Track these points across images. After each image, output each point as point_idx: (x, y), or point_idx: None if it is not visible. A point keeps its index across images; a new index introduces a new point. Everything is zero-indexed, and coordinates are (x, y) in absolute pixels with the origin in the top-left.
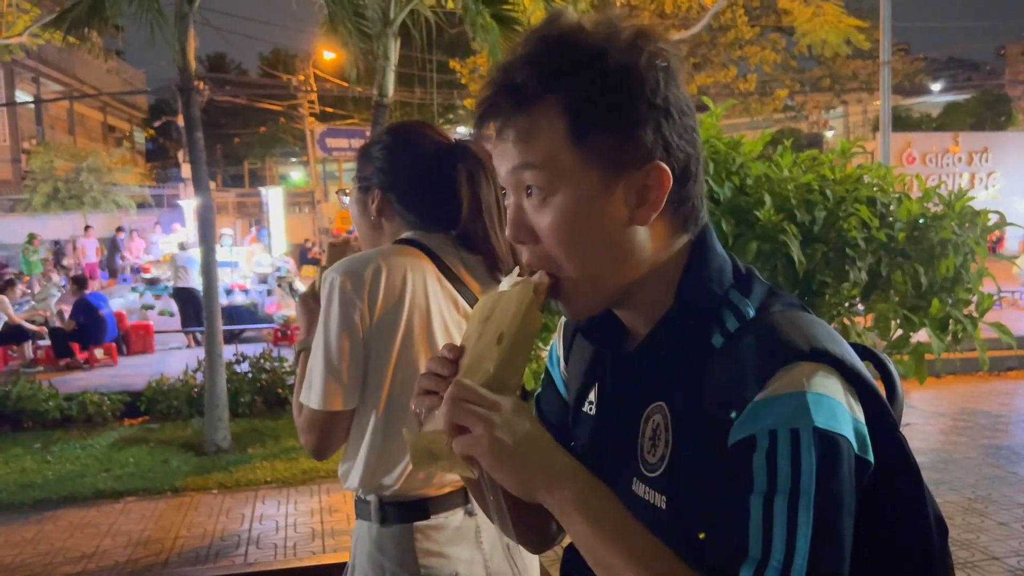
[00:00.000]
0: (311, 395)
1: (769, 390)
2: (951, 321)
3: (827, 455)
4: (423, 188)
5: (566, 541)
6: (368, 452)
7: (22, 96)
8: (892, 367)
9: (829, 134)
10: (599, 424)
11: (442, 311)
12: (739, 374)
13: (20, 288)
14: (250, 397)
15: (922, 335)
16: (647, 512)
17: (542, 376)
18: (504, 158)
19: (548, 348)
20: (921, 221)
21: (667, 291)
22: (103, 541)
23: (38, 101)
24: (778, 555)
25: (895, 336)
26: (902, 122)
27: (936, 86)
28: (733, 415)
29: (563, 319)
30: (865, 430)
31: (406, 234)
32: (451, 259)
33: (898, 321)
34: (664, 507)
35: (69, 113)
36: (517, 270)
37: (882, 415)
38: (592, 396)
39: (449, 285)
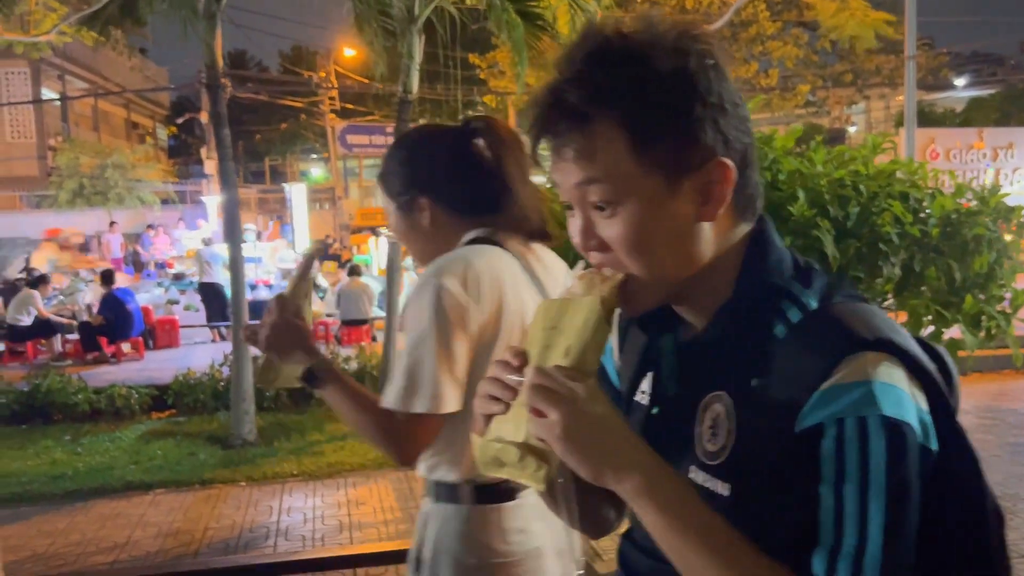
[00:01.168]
0: (418, 401)
1: (835, 379)
2: (984, 317)
3: (895, 443)
4: (464, 179)
5: (622, 529)
6: (467, 443)
7: (48, 93)
8: (948, 358)
9: (851, 130)
10: (653, 413)
11: (526, 303)
12: (805, 364)
13: (52, 284)
14: (275, 392)
15: (954, 331)
16: (708, 500)
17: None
18: (566, 175)
19: None
20: (954, 217)
21: (725, 282)
22: (134, 532)
23: (64, 98)
24: (850, 542)
25: (927, 332)
26: (925, 117)
27: (960, 81)
28: (800, 404)
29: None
30: (929, 419)
31: (473, 233)
32: (519, 249)
33: (930, 317)
34: (727, 494)
35: (94, 110)
36: (582, 264)
37: (942, 405)
38: (645, 386)
39: (527, 277)
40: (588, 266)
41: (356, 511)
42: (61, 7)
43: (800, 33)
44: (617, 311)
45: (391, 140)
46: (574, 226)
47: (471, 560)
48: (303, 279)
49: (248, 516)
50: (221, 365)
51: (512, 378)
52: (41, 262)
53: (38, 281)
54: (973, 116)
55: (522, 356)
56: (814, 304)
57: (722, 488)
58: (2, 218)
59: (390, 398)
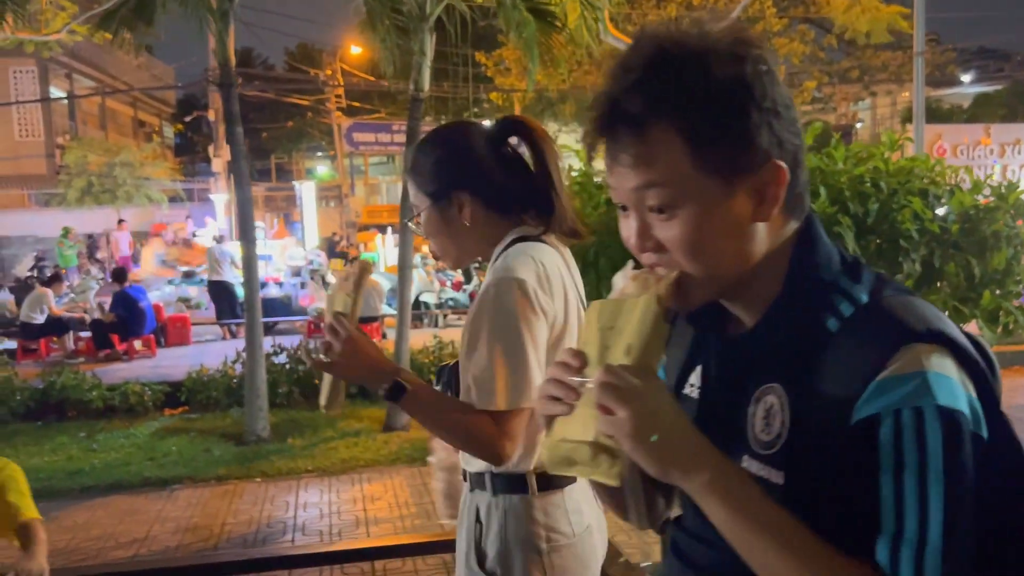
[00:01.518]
0: (523, 395)
1: (890, 370)
2: (1002, 312)
3: (950, 431)
4: (505, 176)
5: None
6: (535, 434)
7: (55, 92)
8: (989, 349)
9: (857, 126)
10: (704, 405)
11: (579, 299)
12: (859, 356)
13: (65, 285)
14: (288, 388)
15: (971, 327)
16: (762, 487)
17: None
18: (623, 179)
19: None
20: (972, 213)
21: (775, 278)
22: (152, 527)
23: (72, 97)
24: (911, 528)
25: None
26: (932, 113)
27: (966, 77)
28: (855, 395)
29: None
30: (979, 406)
31: (518, 231)
32: (559, 246)
33: (948, 312)
34: (781, 483)
35: (101, 108)
36: (631, 264)
37: (988, 393)
38: (693, 379)
39: (570, 273)
40: (637, 266)
41: (372, 506)
42: (71, 6)
43: (807, 30)
44: None
45: (398, 138)
46: (629, 228)
47: (543, 544)
48: (358, 293)
49: (265, 511)
50: (234, 362)
51: (574, 380)
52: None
53: (52, 280)
54: (980, 112)
55: (581, 357)
56: (864, 298)
57: (776, 477)
58: (11, 216)
59: (496, 399)
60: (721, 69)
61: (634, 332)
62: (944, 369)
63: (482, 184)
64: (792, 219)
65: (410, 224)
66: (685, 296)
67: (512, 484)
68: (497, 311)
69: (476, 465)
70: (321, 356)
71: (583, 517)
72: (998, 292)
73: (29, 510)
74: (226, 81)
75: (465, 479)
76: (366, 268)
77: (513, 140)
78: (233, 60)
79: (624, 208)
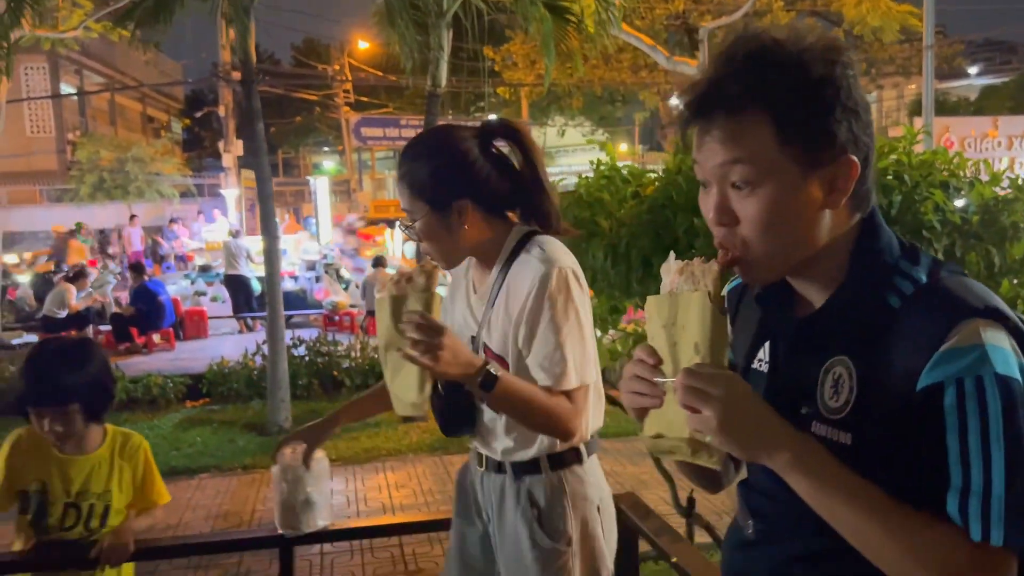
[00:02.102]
0: (587, 372)
1: (951, 343)
2: (1019, 301)
3: (1008, 396)
4: (499, 179)
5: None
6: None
7: (65, 88)
8: None
9: None
10: (773, 378)
11: None
12: (922, 330)
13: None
14: (307, 380)
15: None
16: (830, 448)
17: None
18: (711, 154)
19: None
20: (992, 204)
21: (841, 262)
22: (184, 514)
23: (83, 93)
24: (977, 482)
25: None
26: (939, 106)
27: (973, 69)
28: (919, 364)
29: (725, 291)
30: None
31: (518, 228)
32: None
33: None
34: (849, 443)
35: (111, 104)
36: (672, 256)
37: None
38: (762, 355)
39: None
40: (678, 257)
41: (396, 493)
42: (87, 3)
43: (814, 23)
44: (724, 291)
45: (406, 132)
46: (708, 201)
47: (598, 503)
48: (432, 293)
49: None
50: (254, 354)
51: (657, 380)
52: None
53: (77, 276)
54: (987, 104)
55: (655, 355)
56: (924, 278)
57: (844, 438)
58: (24, 211)
59: (569, 378)
60: (814, 68)
61: (697, 330)
62: (999, 341)
63: (479, 190)
64: (857, 212)
65: (402, 229)
66: (750, 271)
67: (567, 458)
68: (554, 298)
69: (531, 452)
70: (412, 353)
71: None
72: (1015, 281)
73: (162, 495)
74: (247, 78)
75: (500, 471)
76: (433, 272)
77: (501, 142)
78: (254, 57)
79: (706, 185)
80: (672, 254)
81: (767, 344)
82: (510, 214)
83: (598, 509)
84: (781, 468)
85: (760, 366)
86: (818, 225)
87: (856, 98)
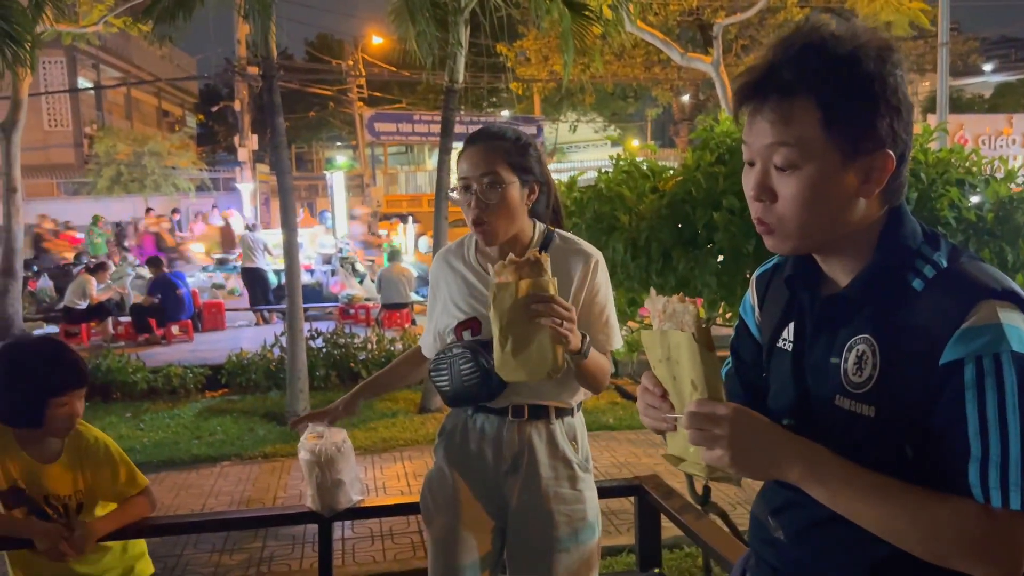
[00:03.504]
0: (618, 340)
1: (971, 322)
2: None
3: (1023, 371)
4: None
5: None
6: None
7: (83, 83)
8: None
9: None
10: (798, 355)
11: None
12: (942, 310)
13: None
14: (325, 371)
15: None
16: (852, 419)
17: (735, 324)
18: (759, 134)
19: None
20: (1007, 202)
21: (867, 247)
22: (207, 501)
23: (99, 87)
24: (995, 451)
25: None
26: (953, 103)
27: (988, 66)
28: (940, 342)
29: (755, 276)
30: None
31: (543, 223)
32: None
33: None
34: (872, 416)
35: (127, 99)
36: (653, 292)
37: None
38: (787, 334)
39: None
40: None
41: (416, 482)
42: None
43: (828, 20)
44: (754, 276)
45: (419, 127)
46: (750, 179)
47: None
48: (550, 275)
49: None
50: (272, 346)
51: (667, 416)
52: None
53: (97, 268)
54: (1002, 102)
55: (659, 384)
56: (944, 262)
57: (867, 411)
58: (41, 204)
59: (612, 341)
60: (866, 64)
61: (690, 368)
62: (1014, 321)
63: (542, 180)
64: (888, 204)
65: (480, 184)
66: (777, 244)
67: (581, 405)
68: (601, 282)
69: (577, 399)
70: (559, 328)
71: None
72: None
73: (135, 483)
74: (268, 73)
75: (540, 417)
76: (546, 258)
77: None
78: (275, 52)
79: (752, 164)
80: (652, 290)
81: (792, 324)
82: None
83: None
84: (796, 480)
85: (784, 345)
86: (850, 210)
87: (900, 97)
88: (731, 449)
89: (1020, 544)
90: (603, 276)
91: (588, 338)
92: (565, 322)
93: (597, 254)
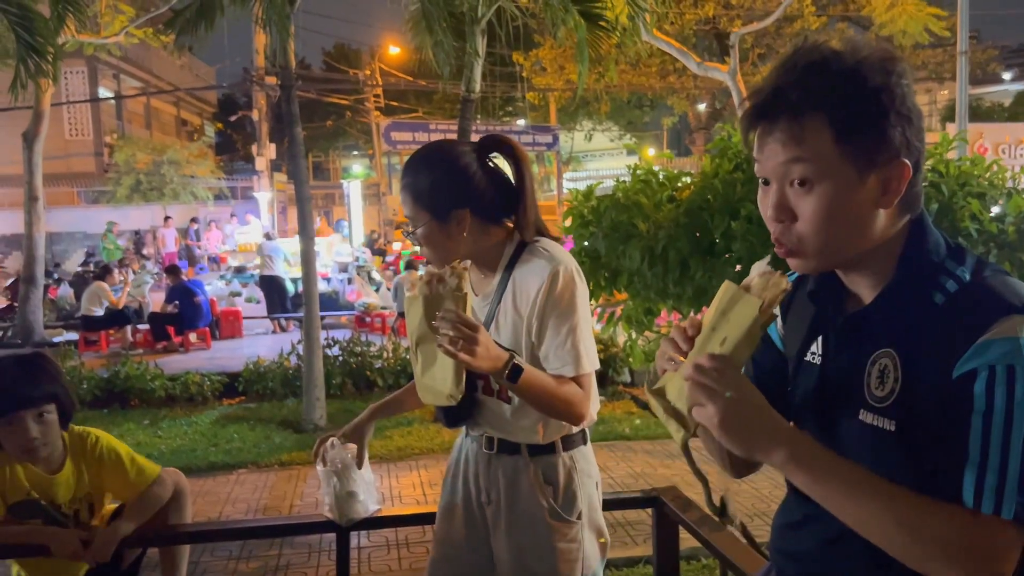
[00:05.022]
0: (593, 359)
1: (989, 335)
2: None
3: None
4: (495, 190)
5: None
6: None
7: (103, 92)
8: None
9: None
10: (826, 370)
11: None
12: (963, 324)
13: (117, 275)
14: (341, 379)
15: None
16: (876, 434)
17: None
18: (772, 154)
19: None
20: None
21: (890, 261)
22: (224, 508)
23: (120, 97)
24: (995, 459)
25: None
26: (972, 112)
27: (1007, 75)
28: (959, 355)
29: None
30: None
31: (514, 235)
32: None
33: None
34: (893, 429)
35: (146, 108)
36: (768, 259)
37: None
38: (815, 348)
39: None
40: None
41: (431, 491)
42: (129, 9)
43: (846, 28)
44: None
45: (435, 136)
46: (768, 200)
47: (597, 479)
48: (464, 293)
49: None
50: (289, 354)
51: (683, 347)
52: None
53: (103, 272)
54: (1021, 110)
55: (697, 327)
56: (967, 277)
57: (888, 425)
58: (62, 213)
59: (581, 365)
60: (871, 77)
61: (736, 327)
62: None
63: (476, 200)
64: (907, 213)
65: (405, 234)
66: (801, 265)
67: (575, 440)
68: (560, 296)
69: (549, 435)
70: (451, 348)
71: None
72: None
73: (146, 472)
74: (286, 82)
75: (514, 452)
76: (464, 273)
77: (495, 156)
78: (293, 62)
79: (767, 183)
80: (768, 258)
81: (820, 338)
82: (507, 222)
83: (596, 485)
84: (778, 464)
85: (813, 359)
86: (871, 224)
87: (909, 105)
88: (724, 412)
89: (1003, 556)
90: (567, 288)
91: (515, 358)
92: (462, 341)
93: (563, 263)
